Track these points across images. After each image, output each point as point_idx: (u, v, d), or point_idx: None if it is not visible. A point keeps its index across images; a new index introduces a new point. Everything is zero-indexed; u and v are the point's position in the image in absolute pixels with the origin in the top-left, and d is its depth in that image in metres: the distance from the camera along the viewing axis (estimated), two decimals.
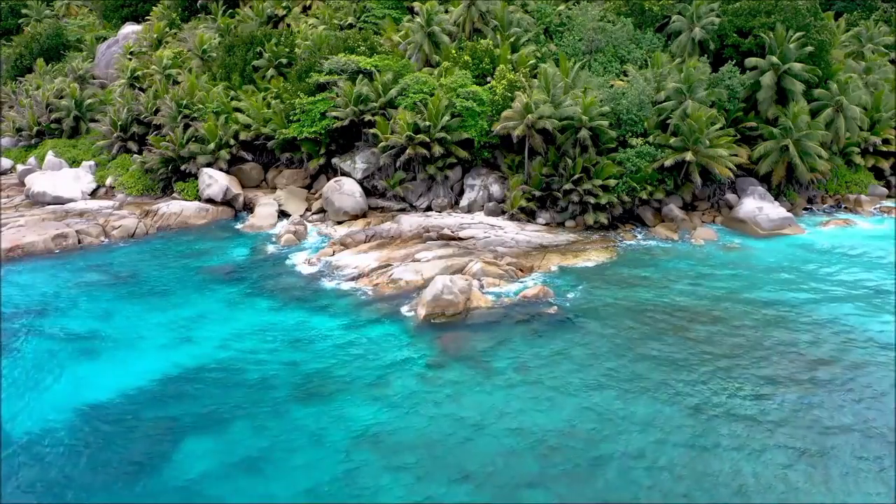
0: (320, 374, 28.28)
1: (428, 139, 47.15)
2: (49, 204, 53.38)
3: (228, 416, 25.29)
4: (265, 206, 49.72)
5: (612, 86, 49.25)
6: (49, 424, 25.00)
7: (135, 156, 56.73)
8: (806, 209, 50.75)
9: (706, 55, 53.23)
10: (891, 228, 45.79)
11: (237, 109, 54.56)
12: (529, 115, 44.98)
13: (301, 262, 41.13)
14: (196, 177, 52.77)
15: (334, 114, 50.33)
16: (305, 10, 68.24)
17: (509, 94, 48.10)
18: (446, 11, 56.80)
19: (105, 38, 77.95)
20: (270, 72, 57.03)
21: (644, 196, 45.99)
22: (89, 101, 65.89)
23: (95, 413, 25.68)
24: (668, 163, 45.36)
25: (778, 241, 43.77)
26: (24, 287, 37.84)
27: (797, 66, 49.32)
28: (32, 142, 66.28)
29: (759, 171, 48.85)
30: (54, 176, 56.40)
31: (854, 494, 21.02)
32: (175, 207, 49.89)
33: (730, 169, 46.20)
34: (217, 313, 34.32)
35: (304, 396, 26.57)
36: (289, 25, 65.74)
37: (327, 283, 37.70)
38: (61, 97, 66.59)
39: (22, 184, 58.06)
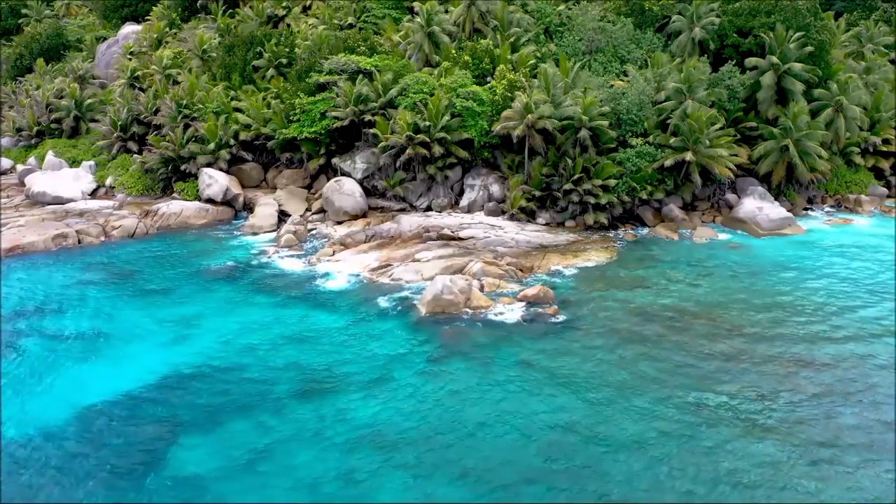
0: (320, 371, 28.28)
1: (428, 139, 47.15)
2: (49, 204, 53.41)
3: (229, 414, 25.28)
4: (265, 206, 49.69)
5: (612, 86, 49.25)
6: (49, 423, 24.97)
7: (135, 156, 56.76)
8: (806, 209, 50.75)
9: (706, 55, 53.24)
10: (891, 228, 45.77)
11: (237, 109, 54.56)
12: (529, 115, 44.98)
13: (301, 261, 41.13)
14: (196, 177, 52.78)
15: (334, 114, 50.34)
16: (305, 10, 68.26)
17: (509, 94, 48.10)
18: (446, 11, 56.80)
19: (105, 38, 77.97)
20: (270, 72, 57.05)
21: (644, 196, 46.00)
22: (89, 101, 65.93)
23: (95, 411, 25.68)
24: (668, 163, 45.37)
25: (778, 241, 43.78)
26: (24, 287, 37.84)
27: (797, 66, 49.34)
28: (32, 142, 66.31)
29: (759, 171, 48.87)
30: (54, 176, 56.45)
31: (855, 494, 21.01)
32: (175, 207, 49.89)
33: (730, 169, 46.22)
34: (217, 312, 34.34)
35: (305, 393, 26.58)
36: (289, 25, 65.74)
37: (327, 283, 37.69)
38: (61, 97, 66.62)
39: (22, 184, 58.10)
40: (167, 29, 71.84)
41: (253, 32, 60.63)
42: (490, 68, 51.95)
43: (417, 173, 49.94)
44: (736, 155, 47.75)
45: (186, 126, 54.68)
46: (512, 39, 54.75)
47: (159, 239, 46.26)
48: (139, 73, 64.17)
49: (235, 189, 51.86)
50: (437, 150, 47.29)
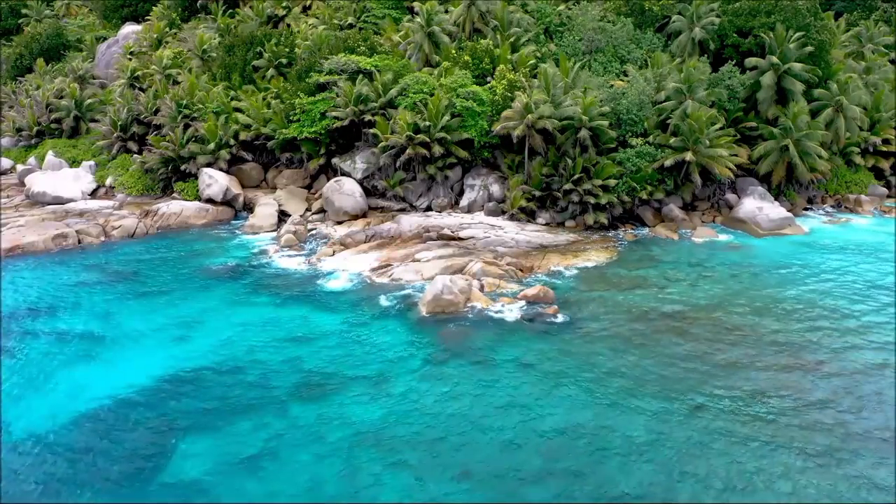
0: (320, 371, 28.28)
1: (428, 139, 47.15)
2: (49, 204, 53.42)
3: (229, 415, 25.26)
4: (265, 206, 49.70)
5: (612, 86, 49.25)
6: (49, 424, 24.95)
7: (135, 156, 56.78)
8: (806, 209, 50.78)
9: (706, 55, 53.26)
10: (891, 228, 45.77)
11: (237, 109, 54.58)
12: (529, 115, 44.99)
13: (301, 261, 41.14)
14: (196, 177, 52.79)
15: (334, 114, 50.34)
16: (305, 10, 68.30)
17: (509, 94, 48.11)
18: (446, 11, 56.82)
19: (105, 38, 78.00)
20: (270, 72, 57.06)
21: (644, 196, 46.01)
22: (89, 101, 65.94)
23: (95, 412, 25.66)
24: (668, 163, 45.37)
25: (778, 241, 43.79)
26: (25, 287, 37.84)
27: (797, 66, 49.35)
28: (32, 142, 66.34)
29: (759, 171, 48.89)
30: (54, 176, 56.45)
31: (859, 494, 21.01)
32: (175, 207, 49.90)
33: (730, 169, 46.22)
34: (217, 312, 34.32)
35: (305, 394, 26.57)
36: (289, 25, 65.77)
37: (327, 283, 37.70)
38: (61, 97, 66.64)
39: (22, 184, 58.11)
40: (167, 29, 71.87)
41: (253, 32, 60.65)
42: (490, 68, 51.96)
43: (417, 173, 49.94)
44: (736, 155, 47.77)
45: (186, 126, 54.69)
46: (512, 39, 54.76)
47: (159, 239, 46.26)
48: (139, 73, 64.19)
49: (235, 189, 51.87)
50: (437, 150, 47.29)
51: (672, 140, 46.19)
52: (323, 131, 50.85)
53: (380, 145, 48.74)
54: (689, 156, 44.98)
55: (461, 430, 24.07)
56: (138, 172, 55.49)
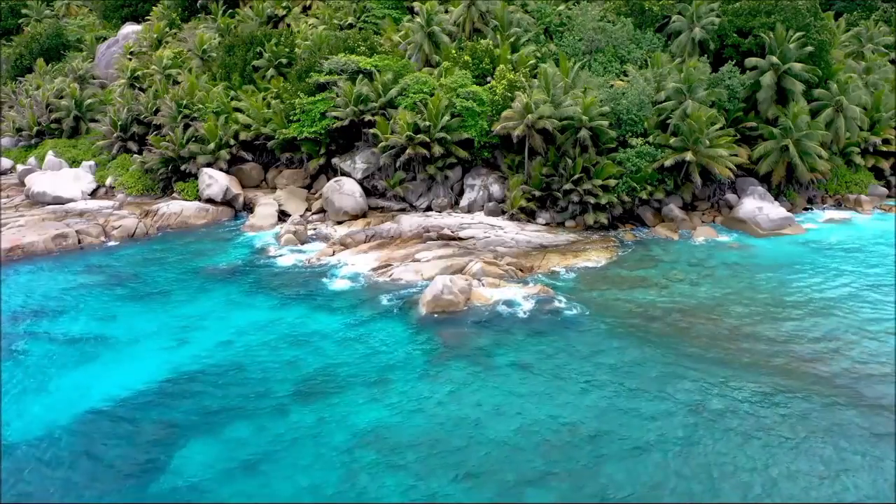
0: (321, 372, 28.28)
1: (428, 139, 47.15)
2: (49, 204, 53.40)
3: (229, 417, 25.28)
4: (265, 206, 49.71)
5: (612, 86, 49.23)
6: (50, 426, 24.97)
7: (135, 156, 56.78)
8: (806, 209, 50.75)
9: (706, 55, 53.23)
10: (891, 227, 45.78)
11: (237, 109, 54.57)
12: (529, 115, 44.98)
13: (301, 261, 41.14)
14: (196, 177, 52.79)
15: (334, 114, 50.34)
16: (305, 10, 68.29)
17: (509, 94, 48.10)
18: (446, 11, 56.81)
19: (105, 38, 78.00)
20: (270, 72, 57.04)
21: (644, 196, 45.99)
22: (89, 101, 65.93)
23: (96, 414, 25.67)
24: (668, 163, 45.36)
25: (778, 241, 43.79)
26: (25, 288, 37.83)
27: (797, 66, 49.34)
28: (32, 142, 66.33)
29: (759, 171, 48.87)
30: (54, 176, 56.43)
31: (858, 493, 21.02)
32: (175, 207, 49.89)
33: (730, 169, 46.21)
34: (218, 313, 34.33)
35: (305, 395, 26.58)
36: (289, 25, 65.76)
37: (327, 284, 37.70)
38: (61, 97, 66.61)
39: (22, 184, 58.10)
40: (167, 29, 71.87)
41: (253, 32, 60.63)
42: (490, 68, 51.94)
43: (417, 173, 49.93)
44: (736, 155, 47.74)
45: (186, 126, 54.68)
46: (512, 39, 54.74)
47: (159, 239, 46.26)
48: (139, 73, 64.18)
49: (235, 189, 51.86)
50: (437, 150, 47.29)
51: (672, 140, 46.18)
52: (323, 131, 50.86)
53: (380, 145, 48.74)
54: (689, 156, 44.97)
55: (461, 430, 24.09)
56: (138, 172, 55.49)
